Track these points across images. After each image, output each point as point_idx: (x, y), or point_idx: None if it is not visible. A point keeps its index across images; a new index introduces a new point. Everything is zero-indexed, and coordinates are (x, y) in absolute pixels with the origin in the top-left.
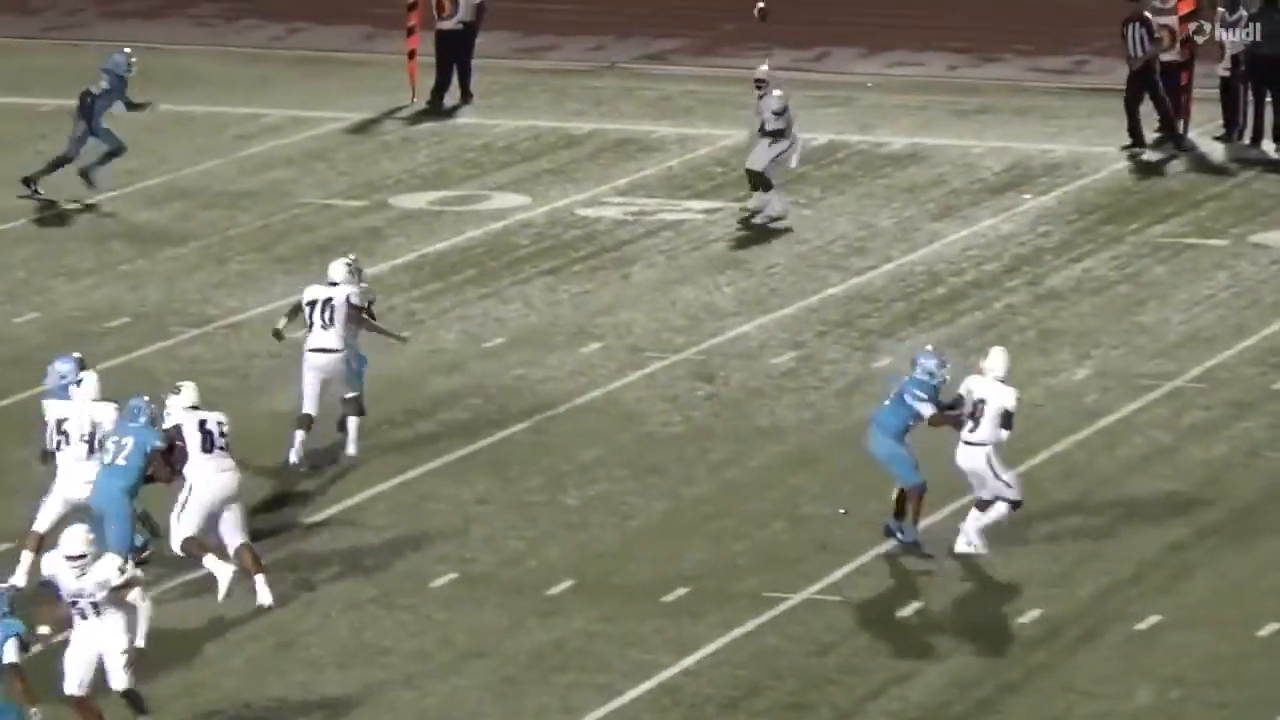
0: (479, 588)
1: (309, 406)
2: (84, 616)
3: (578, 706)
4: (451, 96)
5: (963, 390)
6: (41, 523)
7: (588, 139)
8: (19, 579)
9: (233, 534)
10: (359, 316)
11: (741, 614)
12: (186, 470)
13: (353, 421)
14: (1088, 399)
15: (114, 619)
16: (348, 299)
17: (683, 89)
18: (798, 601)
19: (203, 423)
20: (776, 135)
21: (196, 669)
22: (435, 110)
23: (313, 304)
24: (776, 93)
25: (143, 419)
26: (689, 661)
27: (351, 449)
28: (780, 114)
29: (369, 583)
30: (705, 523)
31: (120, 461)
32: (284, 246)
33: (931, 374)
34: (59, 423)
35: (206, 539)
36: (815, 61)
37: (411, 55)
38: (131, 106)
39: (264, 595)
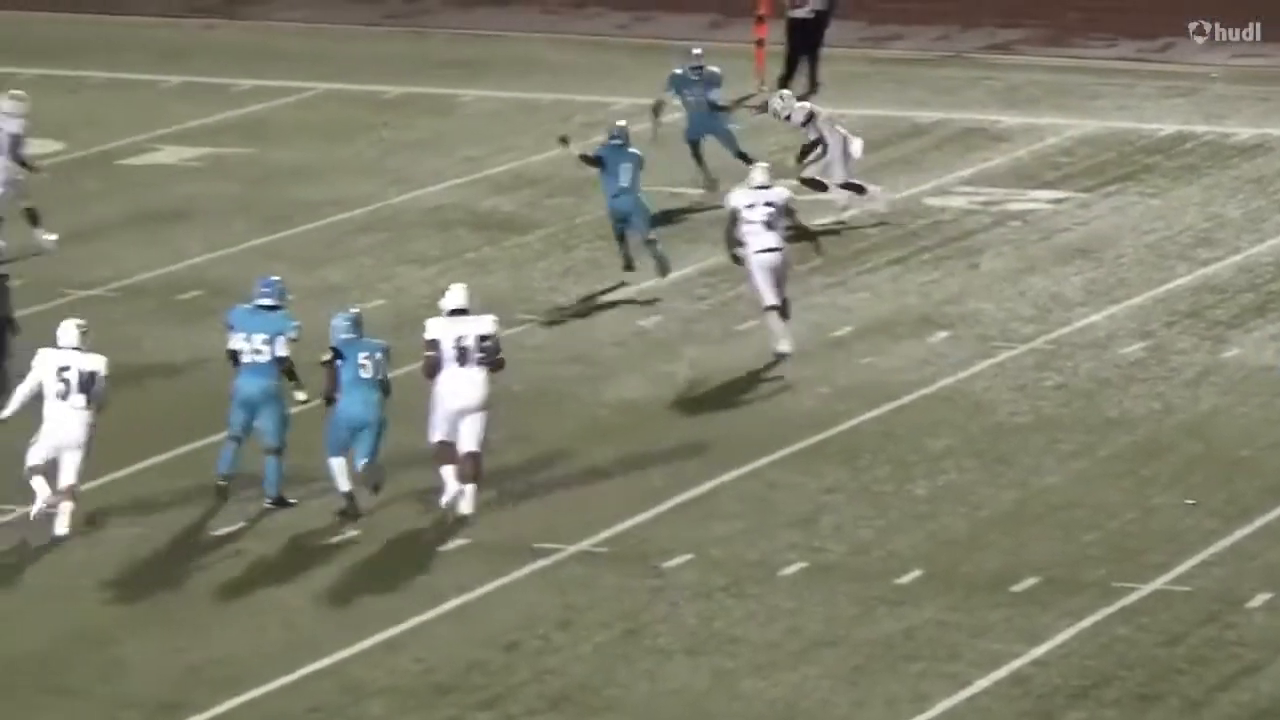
0: (828, 577)
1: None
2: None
3: (928, 695)
4: (798, 85)
5: None
6: (37, 457)
7: (933, 128)
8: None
9: (467, 440)
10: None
11: (1091, 604)
12: (438, 379)
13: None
14: None
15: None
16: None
17: (1029, 78)
18: (1147, 592)
19: (459, 338)
20: (812, 147)
21: (546, 656)
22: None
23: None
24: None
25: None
26: (1039, 651)
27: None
28: (806, 124)
29: (718, 571)
30: (1054, 513)
31: (368, 375)
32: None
33: None
34: (60, 370)
35: (445, 449)
36: (1160, 52)
37: (760, 43)
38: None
39: (467, 505)
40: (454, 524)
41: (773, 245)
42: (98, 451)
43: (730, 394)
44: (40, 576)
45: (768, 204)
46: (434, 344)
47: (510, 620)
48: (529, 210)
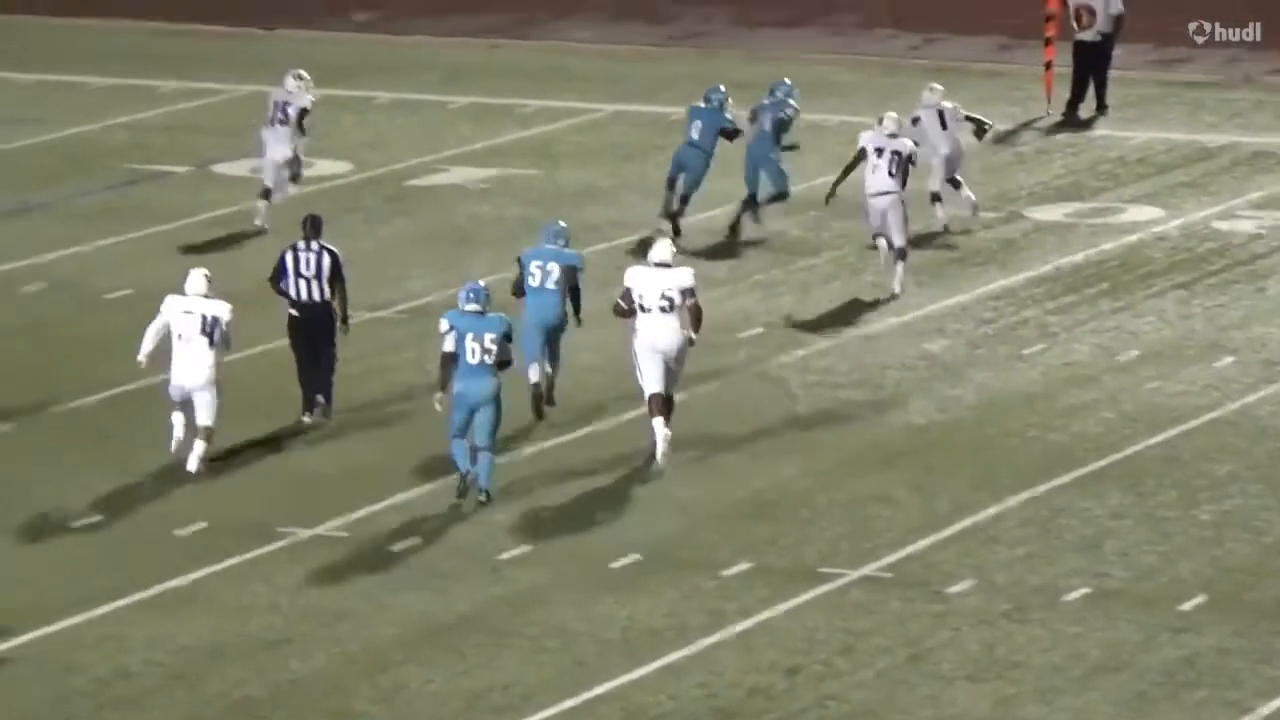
0: (1112, 602)
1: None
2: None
3: None
4: (1086, 108)
5: None
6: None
7: (1222, 151)
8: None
9: (667, 381)
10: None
11: None
12: (638, 328)
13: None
14: None
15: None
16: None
17: None
18: None
19: (664, 290)
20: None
21: (828, 682)
22: (1070, 122)
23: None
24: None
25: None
26: None
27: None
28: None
29: (1001, 597)
30: None
31: (549, 286)
32: (919, 257)
33: None
34: (184, 314)
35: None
36: None
37: (1048, 66)
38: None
39: (661, 448)
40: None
41: (886, 189)
42: (386, 474)
43: (1014, 418)
44: (318, 599)
45: (894, 152)
46: (628, 293)
47: (793, 645)
48: (816, 233)
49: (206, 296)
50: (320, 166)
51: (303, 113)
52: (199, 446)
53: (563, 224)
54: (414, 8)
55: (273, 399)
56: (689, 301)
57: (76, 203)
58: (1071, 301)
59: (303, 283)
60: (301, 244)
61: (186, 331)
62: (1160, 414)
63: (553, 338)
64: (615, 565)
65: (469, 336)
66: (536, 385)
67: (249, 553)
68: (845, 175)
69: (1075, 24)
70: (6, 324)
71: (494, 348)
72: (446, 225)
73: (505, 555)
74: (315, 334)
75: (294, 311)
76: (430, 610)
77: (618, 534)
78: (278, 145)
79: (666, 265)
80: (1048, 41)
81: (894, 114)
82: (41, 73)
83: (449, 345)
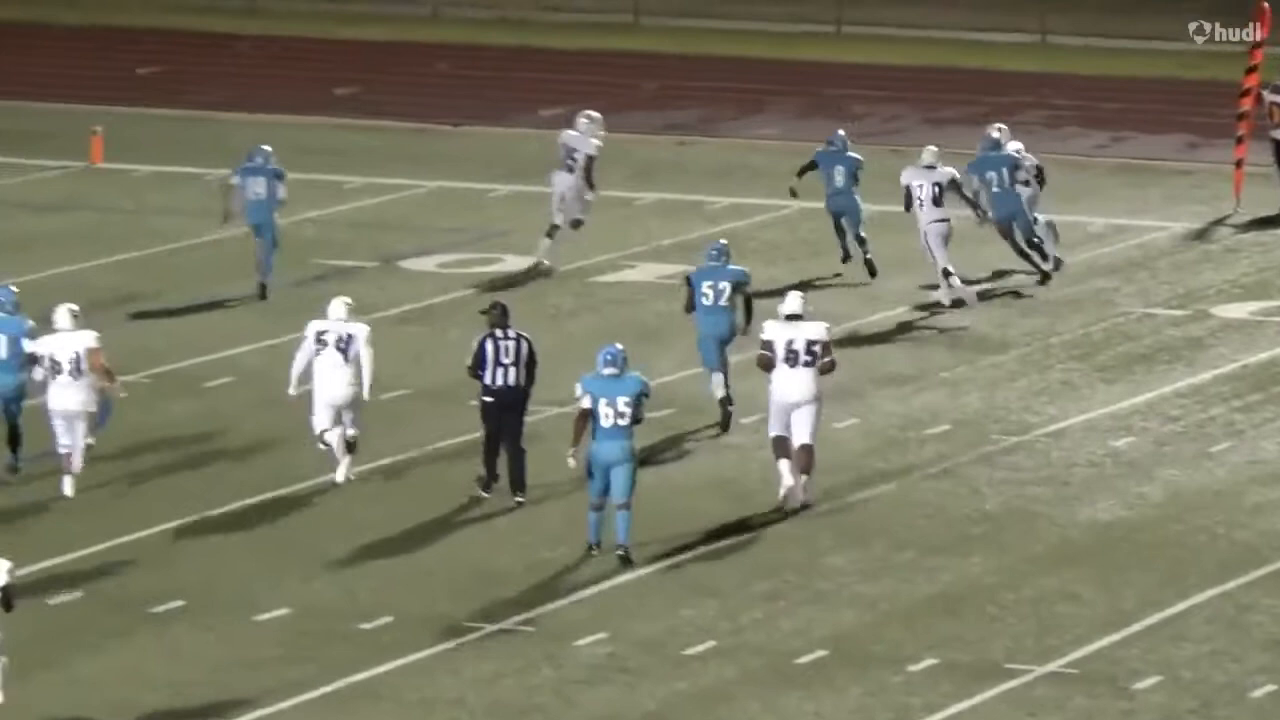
0: None
1: None
2: None
3: None
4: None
5: None
6: (321, 423)
7: None
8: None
9: (800, 433)
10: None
11: None
12: (772, 378)
13: None
14: None
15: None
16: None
17: None
18: None
19: (790, 341)
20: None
21: None
22: (1259, 220)
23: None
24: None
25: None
26: None
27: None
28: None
29: (1187, 694)
30: None
31: (722, 304)
32: (1105, 355)
33: None
34: (319, 334)
35: (780, 443)
36: None
37: (1239, 164)
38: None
39: (803, 494)
40: (791, 512)
41: (938, 217)
42: (570, 568)
43: (1201, 516)
44: (503, 694)
45: (935, 183)
46: (768, 344)
47: None
48: (1003, 330)
49: (344, 320)
50: (508, 261)
51: (589, 161)
52: (346, 459)
53: (724, 242)
54: (601, 103)
55: (453, 489)
56: (825, 359)
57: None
58: (1258, 400)
59: (500, 370)
60: (499, 332)
61: (320, 348)
62: None
63: (723, 348)
64: (801, 661)
65: (603, 401)
66: (722, 399)
67: (434, 647)
68: (908, 208)
69: (1269, 119)
70: (192, 416)
71: (628, 410)
72: (633, 321)
73: (691, 650)
74: (511, 418)
75: (488, 398)
76: (617, 706)
77: (803, 629)
78: (564, 187)
79: (799, 317)
80: (1239, 139)
81: (933, 147)
82: (233, 167)
83: (585, 405)
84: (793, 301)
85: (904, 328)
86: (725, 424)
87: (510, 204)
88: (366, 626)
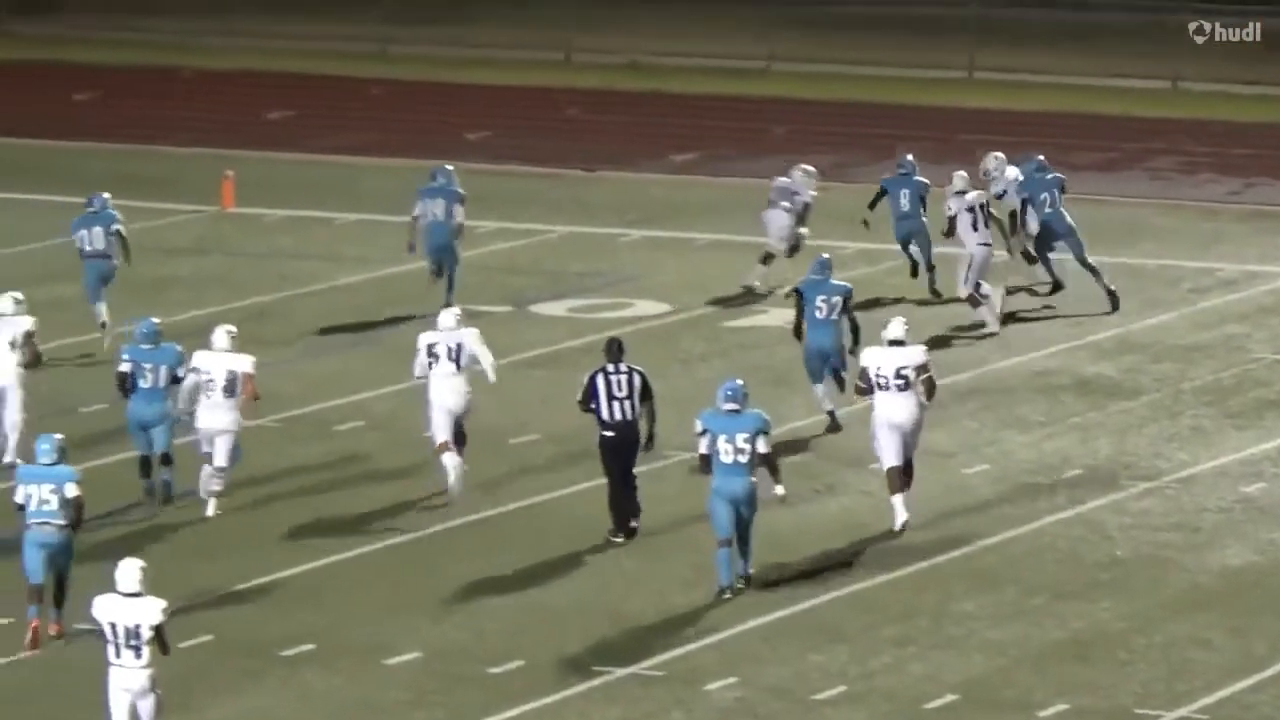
0: None
1: None
2: None
3: None
4: None
5: None
6: (440, 433)
7: None
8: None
9: (904, 452)
10: None
11: None
12: (875, 403)
13: None
14: None
15: None
16: None
17: None
18: None
19: (899, 368)
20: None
21: None
22: None
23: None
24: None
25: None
26: None
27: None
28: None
29: None
30: None
31: (834, 317)
32: (1236, 401)
33: None
34: (430, 346)
35: (894, 474)
36: None
37: None
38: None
39: (900, 515)
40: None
41: (985, 240)
42: (702, 611)
43: None
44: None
45: (969, 209)
46: (864, 372)
47: None
48: (1134, 376)
49: (452, 329)
50: (639, 307)
51: (806, 207)
52: (458, 466)
53: (827, 255)
54: (732, 148)
55: (581, 532)
56: (923, 376)
57: (395, 339)
58: None
59: (615, 404)
60: (610, 366)
61: (433, 361)
62: None
63: (828, 361)
64: (931, 706)
65: (722, 437)
66: (831, 412)
67: (563, 691)
68: (948, 234)
69: None
70: (322, 460)
71: (747, 446)
72: (764, 367)
73: (821, 695)
74: (629, 453)
75: (608, 433)
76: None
77: (933, 674)
78: (777, 223)
79: (900, 343)
80: None
81: (961, 172)
82: (364, 212)
83: (703, 447)
84: (895, 327)
85: (1035, 374)
86: (834, 426)
87: (641, 249)
88: (495, 670)
